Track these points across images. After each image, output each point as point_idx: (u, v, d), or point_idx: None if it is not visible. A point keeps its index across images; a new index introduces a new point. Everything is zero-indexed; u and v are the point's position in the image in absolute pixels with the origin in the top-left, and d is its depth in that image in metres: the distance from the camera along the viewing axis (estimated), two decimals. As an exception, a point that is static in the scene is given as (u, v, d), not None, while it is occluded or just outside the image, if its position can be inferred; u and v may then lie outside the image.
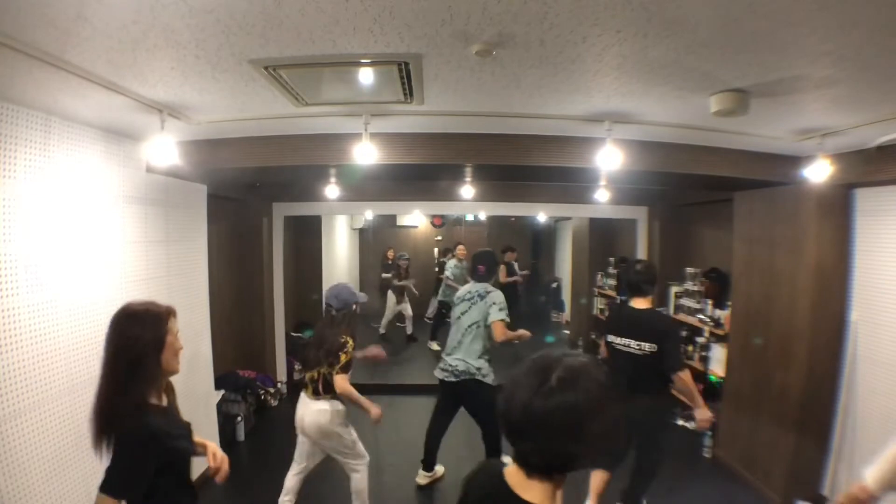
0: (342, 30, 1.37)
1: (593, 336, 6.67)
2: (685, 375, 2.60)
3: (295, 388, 5.17)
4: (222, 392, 3.98)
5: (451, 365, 3.26)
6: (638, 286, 2.81)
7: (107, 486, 1.36)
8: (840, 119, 2.17)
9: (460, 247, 6.81)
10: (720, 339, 4.10)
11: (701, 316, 4.36)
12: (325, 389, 2.64)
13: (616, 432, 0.90)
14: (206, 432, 3.47)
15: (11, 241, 1.91)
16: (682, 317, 4.71)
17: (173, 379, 1.58)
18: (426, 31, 1.39)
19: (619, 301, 2.87)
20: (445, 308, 6.70)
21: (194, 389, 3.30)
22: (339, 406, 2.67)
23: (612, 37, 1.40)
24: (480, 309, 3.21)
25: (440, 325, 6.75)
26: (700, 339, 4.39)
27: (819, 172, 2.51)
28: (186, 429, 1.58)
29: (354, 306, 2.76)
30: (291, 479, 2.83)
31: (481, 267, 3.30)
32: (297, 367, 5.27)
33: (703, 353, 4.30)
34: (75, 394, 2.21)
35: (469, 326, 3.22)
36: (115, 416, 1.37)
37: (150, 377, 1.43)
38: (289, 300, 5.43)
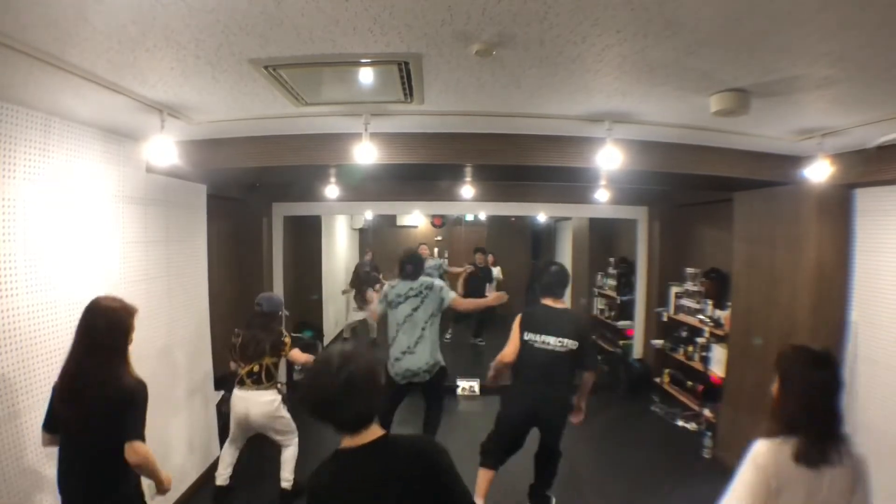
0: (342, 30, 1.37)
1: (593, 336, 6.66)
2: (594, 375, 2.87)
3: (295, 389, 5.17)
4: (222, 393, 3.97)
5: (426, 362, 3.30)
6: (551, 288, 2.91)
7: (136, 433, 1.70)
8: (840, 119, 2.17)
9: (423, 246, 7.00)
10: (720, 339, 4.10)
11: (701, 316, 4.36)
12: (268, 378, 3.02)
13: (380, 389, 1.27)
14: (206, 433, 3.47)
15: (11, 241, 1.91)
16: (682, 317, 4.71)
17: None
18: (426, 31, 1.39)
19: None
20: None
21: (194, 390, 3.29)
22: (280, 393, 3.08)
23: (612, 37, 1.41)
24: (434, 300, 3.39)
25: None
26: (700, 340, 4.39)
27: (819, 172, 2.51)
28: None
29: (281, 313, 3.25)
30: (229, 454, 3.14)
31: (410, 266, 3.49)
32: (297, 367, 5.24)
33: (703, 354, 4.31)
34: (75, 394, 2.20)
35: (427, 319, 3.36)
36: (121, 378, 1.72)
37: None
38: (288, 300, 5.41)
